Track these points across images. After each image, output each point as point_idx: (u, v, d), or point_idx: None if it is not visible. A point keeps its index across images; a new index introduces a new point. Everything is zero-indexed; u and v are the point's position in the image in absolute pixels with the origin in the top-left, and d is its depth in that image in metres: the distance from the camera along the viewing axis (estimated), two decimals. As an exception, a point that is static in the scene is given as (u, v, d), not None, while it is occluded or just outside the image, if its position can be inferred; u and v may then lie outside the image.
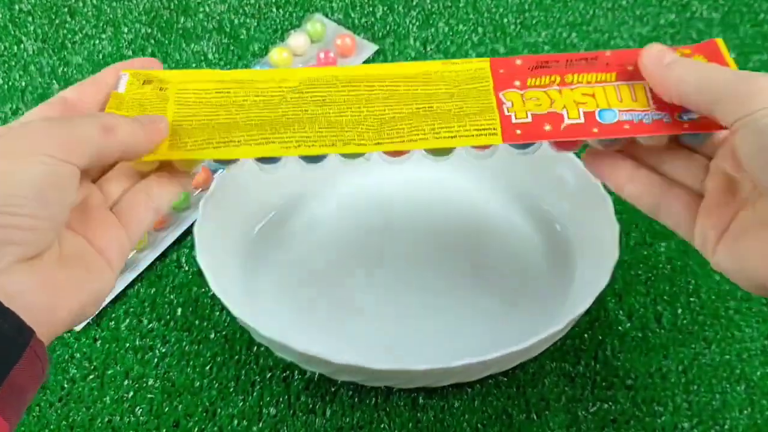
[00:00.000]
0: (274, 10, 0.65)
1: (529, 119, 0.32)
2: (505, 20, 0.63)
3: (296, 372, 0.44)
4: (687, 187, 0.33)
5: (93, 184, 0.33)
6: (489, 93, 0.34)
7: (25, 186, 0.26)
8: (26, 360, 0.26)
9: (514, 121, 0.32)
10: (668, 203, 0.33)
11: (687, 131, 0.32)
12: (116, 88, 0.34)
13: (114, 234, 0.32)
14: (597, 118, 0.32)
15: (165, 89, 0.34)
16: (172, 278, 0.48)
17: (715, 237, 0.31)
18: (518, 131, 0.32)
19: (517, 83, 0.34)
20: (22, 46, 0.62)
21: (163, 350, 0.45)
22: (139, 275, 0.48)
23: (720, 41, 0.33)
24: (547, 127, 0.32)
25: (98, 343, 0.45)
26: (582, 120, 0.32)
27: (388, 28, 0.63)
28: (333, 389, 0.43)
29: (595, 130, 0.32)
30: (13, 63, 0.61)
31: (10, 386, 0.25)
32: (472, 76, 0.34)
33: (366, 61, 0.60)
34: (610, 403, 0.42)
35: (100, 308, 0.46)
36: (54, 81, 0.59)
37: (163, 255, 0.49)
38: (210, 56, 0.61)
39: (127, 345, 0.45)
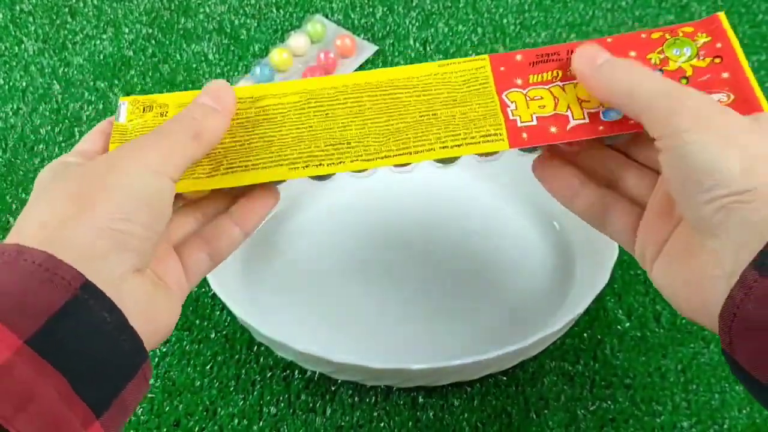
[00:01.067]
0: (275, 10, 0.65)
1: (535, 122, 0.32)
2: (505, 21, 0.64)
3: (296, 371, 0.44)
4: (634, 199, 0.33)
5: None
6: (492, 95, 0.33)
7: (136, 197, 0.27)
8: (137, 380, 0.26)
9: (519, 125, 0.32)
10: (614, 218, 0.33)
11: None
12: (117, 119, 0.34)
13: (176, 271, 0.32)
14: (601, 117, 0.32)
15: (165, 114, 0.34)
16: (173, 278, 0.48)
17: (651, 254, 0.31)
18: (524, 135, 0.32)
19: (519, 81, 0.33)
20: (23, 46, 0.62)
21: (164, 350, 0.45)
22: (140, 275, 0.48)
23: (722, 15, 0.32)
24: (553, 129, 0.32)
25: (99, 342, 0.45)
26: (587, 120, 0.32)
27: (387, 28, 0.63)
28: (333, 388, 0.43)
29: (601, 128, 0.32)
30: (14, 63, 0.61)
31: (119, 404, 0.25)
32: (473, 77, 0.34)
33: (366, 62, 0.60)
34: (609, 402, 0.42)
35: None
36: (55, 81, 0.59)
37: (164, 255, 0.49)
38: (210, 57, 0.61)
39: (128, 344, 0.45)
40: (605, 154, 0.34)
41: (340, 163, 0.32)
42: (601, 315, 0.46)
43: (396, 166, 0.33)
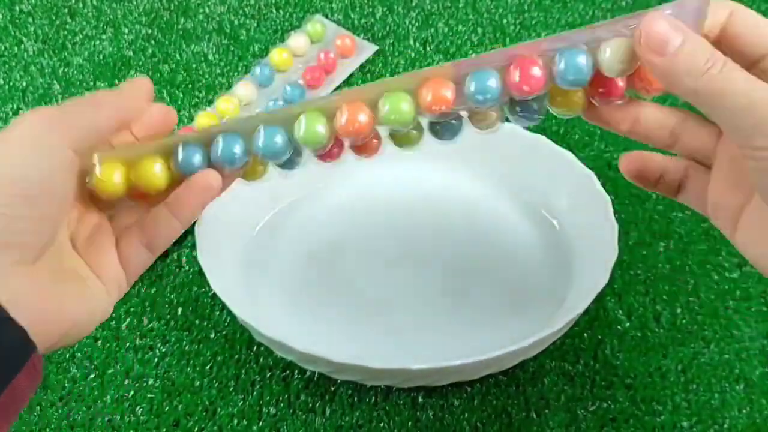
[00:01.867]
0: (274, 11, 0.65)
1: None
2: (505, 21, 0.64)
3: (296, 371, 0.44)
4: (695, 156, 0.32)
5: (104, 216, 0.33)
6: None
7: (22, 181, 0.26)
8: (25, 372, 0.26)
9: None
10: (688, 187, 0.32)
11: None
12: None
13: (113, 265, 0.31)
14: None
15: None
16: (173, 278, 0.48)
17: (725, 219, 0.30)
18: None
19: None
20: (22, 46, 0.62)
21: (164, 350, 0.45)
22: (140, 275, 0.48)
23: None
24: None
25: (99, 342, 0.45)
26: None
27: (387, 28, 0.63)
28: (333, 388, 0.43)
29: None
30: (14, 64, 0.61)
31: (8, 396, 0.25)
32: None
33: (366, 62, 0.60)
34: (610, 402, 0.42)
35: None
36: (54, 81, 0.59)
37: (164, 254, 0.49)
38: (210, 57, 0.61)
39: (128, 344, 0.45)
40: (667, 113, 0.32)
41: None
42: (601, 315, 0.46)
43: (357, 150, 0.33)
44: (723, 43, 0.29)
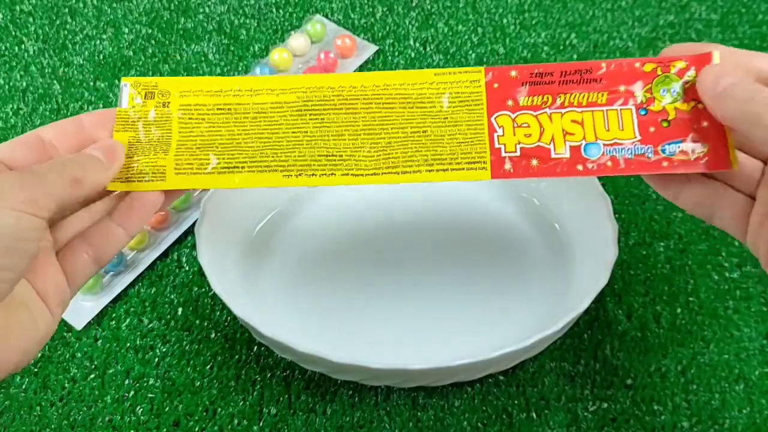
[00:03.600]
0: (274, 10, 0.65)
1: (518, 153, 0.34)
2: (505, 21, 0.64)
3: (296, 371, 0.44)
4: (740, 188, 0.32)
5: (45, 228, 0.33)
6: (482, 117, 0.34)
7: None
8: None
9: (503, 154, 0.34)
10: (721, 209, 0.33)
11: (664, 171, 0.33)
12: (120, 103, 0.34)
13: (57, 280, 0.31)
14: (582, 152, 0.33)
15: (168, 105, 0.35)
16: (173, 278, 0.48)
17: (765, 250, 0.30)
18: (507, 165, 0.33)
19: (510, 102, 0.34)
20: (23, 46, 0.62)
21: (164, 350, 0.45)
22: (140, 275, 0.48)
23: (716, 55, 0.33)
24: (534, 162, 0.33)
25: (99, 342, 0.45)
26: (568, 155, 0.33)
27: (387, 28, 0.63)
28: (333, 388, 0.43)
29: (580, 167, 0.33)
30: (14, 63, 0.61)
31: None
32: (466, 92, 0.35)
33: (366, 62, 0.60)
34: (610, 403, 0.42)
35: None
36: (55, 81, 0.59)
37: (164, 254, 0.49)
38: (210, 57, 0.61)
39: (128, 344, 0.45)
40: None
41: (332, 175, 0.34)
42: (601, 315, 0.46)
43: None
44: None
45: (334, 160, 0.34)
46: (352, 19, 0.64)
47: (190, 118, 0.35)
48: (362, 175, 0.34)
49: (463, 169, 0.33)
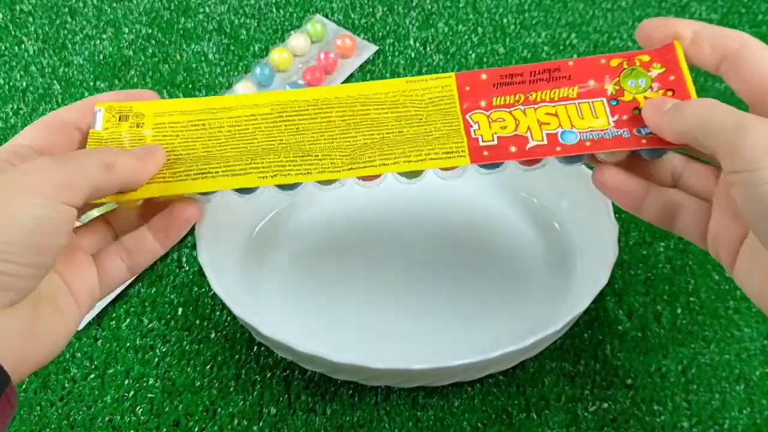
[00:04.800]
0: (275, 10, 0.65)
1: (495, 141, 0.34)
2: (505, 21, 0.63)
3: (296, 371, 0.44)
4: (700, 195, 0.33)
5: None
6: (456, 115, 0.34)
7: (21, 231, 0.26)
8: None
9: (481, 143, 0.34)
10: (683, 218, 0.33)
11: (645, 146, 0.33)
12: (93, 126, 0.34)
13: (89, 278, 0.32)
14: (559, 139, 0.33)
15: (141, 125, 0.35)
16: (173, 278, 0.48)
17: (726, 255, 0.31)
18: (485, 152, 0.33)
19: (483, 103, 0.35)
20: (23, 46, 0.62)
21: (164, 350, 0.45)
22: (140, 275, 0.48)
23: (678, 45, 0.33)
24: (513, 149, 0.33)
25: (99, 342, 0.45)
26: (545, 142, 0.33)
27: (388, 28, 0.63)
28: (333, 388, 0.43)
29: (558, 149, 0.33)
30: (14, 63, 0.61)
31: None
32: (439, 96, 0.35)
33: (366, 62, 0.60)
34: (610, 403, 0.42)
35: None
36: (55, 81, 0.59)
37: (164, 255, 0.49)
38: (210, 57, 0.61)
39: (128, 344, 0.45)
40: (665, 156, 0.34)
41: (308, 173, 0.33)
42: (601, 315, 0.46)
43: (361, 179, 0.34)
44: (729, 73, 0.31)
45: (310, 159, 0.34)
46: (352, 19, 0.64)
47: (164, 135, 0.35)
48: (339, 170, 0.33)
49: (441, 158, 0.33)
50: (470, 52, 0.61)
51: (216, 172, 0.33)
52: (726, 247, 0.31)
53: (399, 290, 0.46)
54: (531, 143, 0.33)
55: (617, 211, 0.43)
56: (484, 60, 0.60)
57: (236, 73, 0.60)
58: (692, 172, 0.33)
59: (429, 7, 0.65)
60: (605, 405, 0.42)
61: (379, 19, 0.64)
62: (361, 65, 0.60)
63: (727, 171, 0.27)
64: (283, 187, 0.34)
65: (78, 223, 0.34)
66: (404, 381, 0.41)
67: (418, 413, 0.42)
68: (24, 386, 0.43)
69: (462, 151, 0.33)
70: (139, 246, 0.34)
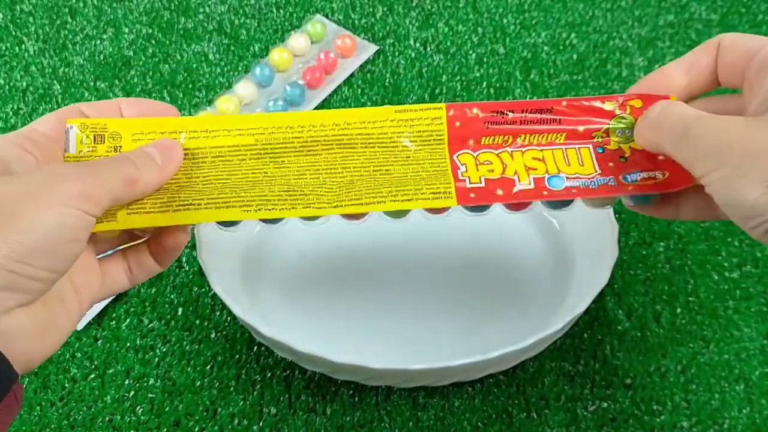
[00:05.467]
0: (275, 10, 0.65)
1: (483, 184, 0.34)
2: (505, 21, 0.64)
3: (297, 371, 0.44)
4: None
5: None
6: (444, 156, 0.34)
7: (43, 237, 0.26)
8: (5, 403, 0.26)
9: (468, 185, 0.34)
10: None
11: (630, 193, 0.33)
12: (67, 149, 0.32)
13: (92, 279, 0.32)
14: (546, 184, 0.34)
15: (119, 149, 0.33)
16: (173, 278, 0.48)
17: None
18: (472, 195, 0.33)
19: (471, 142, 0.34)
20: (23, 46, 0.62)
21: (164, 349, 0.45)
22: (140, 275, 0.48)
23: (674, 98, 0.34)
24: (500, 192, 0.33)
25: (99, 342, 0.45)
26: (532, 186, 0.34)
27: (388, 28, 0.63)
28: (333, 388, 0.43)
29: (545, 193, 0.33)
30: (15, 63, 0.61)
31: None
32: (428, 130, 0.35)
33: (366, 62, 0.60)
34: (610, 402, 0.42)
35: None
36: (55, 81, 0.59)
37: (164, 255, 0.49)
38: (210, 57, 0.61)
39: (128, 344, 0.45)
40: None
41: (293, 209, 0.33)
42: (601, 315, 0.46)
43: (346, 216, 0.34)
44: (720, 69, 0.32)
45: (296, 195, 0.33)
46: (352, 19, 0.64)
47: None
48: (325, 207, 0.33)
49: (428, 198, 0.33)
50: (470, 52, 0.61)
51: (199, 204, 0.32)
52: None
53: (399, 290, 0.46)
54: (518, 186, 0.33)
55: (617, 211, 0.43)
56: (484, 60, 0.61)
57: (236, 73, 0.60)
58: None
59: (429, 7, 0.65)
60: (605, 404, 0.42)
61: (379, 19, 0.64)
62: (361, 65, 0.60)
63: (696, 176, 0.29)
64: (266, 221, 0.33)
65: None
66: (404, 381, 0.41)
67: (419, 413, 0.42)
68: (24, 386, 0.43)
69: (449, 192, 0.33)
70: (141, 264, 0.34)
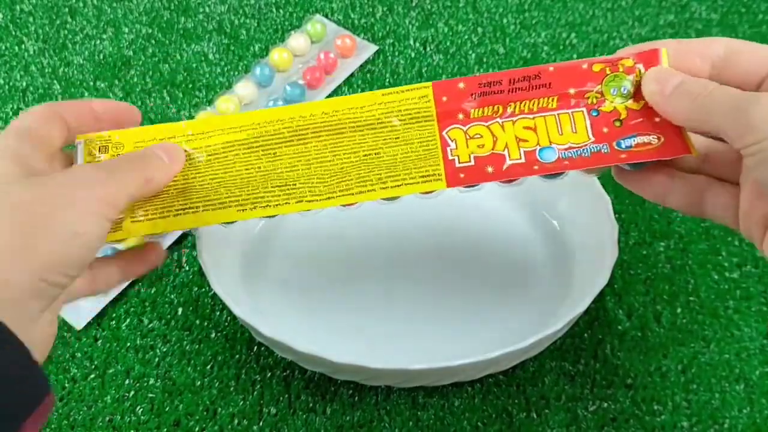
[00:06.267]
0: (274, 10, 0.65)
1: (472, 162, 0.33)
2: (505, 21, 0.64)
3: (296, 371, 0.44)
4: (726, 178, 0.33)
5: None
6: (433, 133, 0.34)
7: (75, 247, 0.27)
8: (40, 411, 0.26)
9: (457, 165, 0.34)
10: (711, 202, 0.33)
11: (624, 161, 0.33)
12: (75, 159, 0.34)
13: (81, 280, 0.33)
14: (537, 157, 0.33)
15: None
16: (173, 278, 0.48)
17: (758, 233, 0.31)
18: (462, 175, 0.33)
19: (461, 116, 0.34)
20: (23, 46, 0.62)
21: (164, 349, 0.45)
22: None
23: (664, 52, 0.33)
24: (490, 169, 0.33)
25: (99, 342, 0.45)
26: (523, 160, 0.33)
27: (387, 28, 0.63)
28: (333, 388, 0.43)
29: (536, 167, 0.33)
30: (15, 63, 0.61)
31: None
32: (416, 108, 0.35)
33: (366, 62, 0.60)
34: (610, 402, 0.42)
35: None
36: (55, 81, 0.59)
37: (164, 255, 0.49)
38: (210, 57, 0.61)
39: (128, 344, 0.45)
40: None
41: (286, 203, 0.34)
42: (601, 315, 0.46)
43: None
44: (723, 75, 0.31)
45: (288, 189, 0.34)
46: (352, 19, 0.64)
47: None
48: (316, 200, 0.34)
49: (418, 182, 0.34)
50: (470, 52, 0.61)
51: (197, 208, 0.34)
52: (757, 224, 0.31)
53: (399, 290, 0.46)
54: (508, 162, 0.33)
55: (617, 211, 0.43)
56: (484, 60, 0.61)
57: (236, 73, 0.60)
58: (717, 153, 0.33)
59: (429, 7, 0.65)
60: (605, 404, 0.42)
61: (379, 19, 0.64)
62: (361, 65, 0.60)
63: (738, 147, 0.28)
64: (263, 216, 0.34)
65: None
66: (404, 381, 0.41)
67: (419, 413, 0.42)
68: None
69: (438, 174, 0.33)
70: (102, 274, 0.34)
